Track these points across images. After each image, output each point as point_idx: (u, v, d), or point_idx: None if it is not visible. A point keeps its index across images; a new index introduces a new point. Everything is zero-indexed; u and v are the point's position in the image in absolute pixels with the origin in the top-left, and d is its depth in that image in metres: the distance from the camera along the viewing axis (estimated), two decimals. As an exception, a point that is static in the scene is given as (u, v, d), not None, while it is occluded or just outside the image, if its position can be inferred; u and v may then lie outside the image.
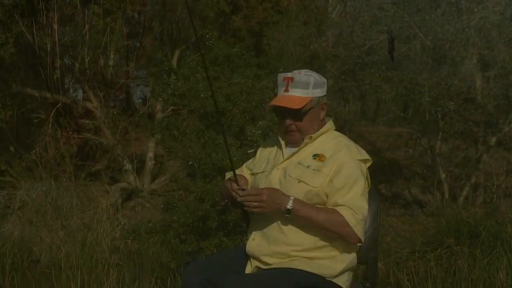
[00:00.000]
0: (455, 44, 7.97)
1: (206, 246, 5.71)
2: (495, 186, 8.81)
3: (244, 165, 3.14)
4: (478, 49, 9.03)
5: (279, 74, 2.85)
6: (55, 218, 8.27)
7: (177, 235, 5.96)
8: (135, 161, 10.31)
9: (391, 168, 10.38)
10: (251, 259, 2.74)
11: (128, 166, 10.34)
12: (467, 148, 9.70)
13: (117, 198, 9.73)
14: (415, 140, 9.94)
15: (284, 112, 2.76)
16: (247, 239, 2.90)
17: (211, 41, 7.79)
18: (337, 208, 2.64)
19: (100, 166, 11.04)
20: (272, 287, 2.57)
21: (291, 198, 2.62)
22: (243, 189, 2.70)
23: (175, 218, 5.75)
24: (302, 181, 2.69)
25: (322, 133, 2.83)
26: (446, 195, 8.69)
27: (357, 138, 11.47)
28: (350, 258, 2.76)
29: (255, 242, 2.74)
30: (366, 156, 2.83)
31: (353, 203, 2.63)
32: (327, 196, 2.69)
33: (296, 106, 2.71)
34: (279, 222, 2.70)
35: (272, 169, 2.83)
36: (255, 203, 2.62)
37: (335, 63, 8.78)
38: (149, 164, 10.68)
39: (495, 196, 8.73)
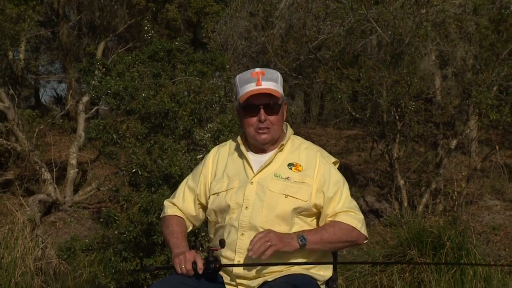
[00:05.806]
0: (414, 40, 8.35)
1: (152, 264, 5.77)
2: (455, 193, 9.27)
3: (186, 188, 3.04)
4: (437, 45, 9.51)
5: (239, 75, 2.98)
6: (-37, 236, 8.05)
7: (118, 252, 6.00)
8: (54, 169, 10.15)
9: (344, 174, 10.64)
10: (237, 279, 2.86)
11: (46, 175, 10.16)
12: (426, 152, 10.10)
13: (35, 212, 9.57)
14: (370, 144, 10.28)
15: (257, 108, 2.87)
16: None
17: (149, 34, 7.86)
18: (336, 218, 2.84)
19: (13, 176, 10.82)
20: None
21: (296, 234, 2.75)
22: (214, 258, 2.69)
23: (116, 232, 5.77)
24: (289, 195, 2.82)
25: (288, 139, 3.02)
26: (405, 203, 9.04)
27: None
28: (331, 265, 3.00)
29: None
30: (335, 159, 3.06)
31: (349, 206, 2.86)
32: (316, 207, 2.86)
33: (276, 94, 2.86)
34: None
35: (243, 183, 2.88)
36: (263, 248, 2.67)
37: (284, 59, 8.99)
38: (72, 172, 10.53)
39: (456, 203, 9.18)
